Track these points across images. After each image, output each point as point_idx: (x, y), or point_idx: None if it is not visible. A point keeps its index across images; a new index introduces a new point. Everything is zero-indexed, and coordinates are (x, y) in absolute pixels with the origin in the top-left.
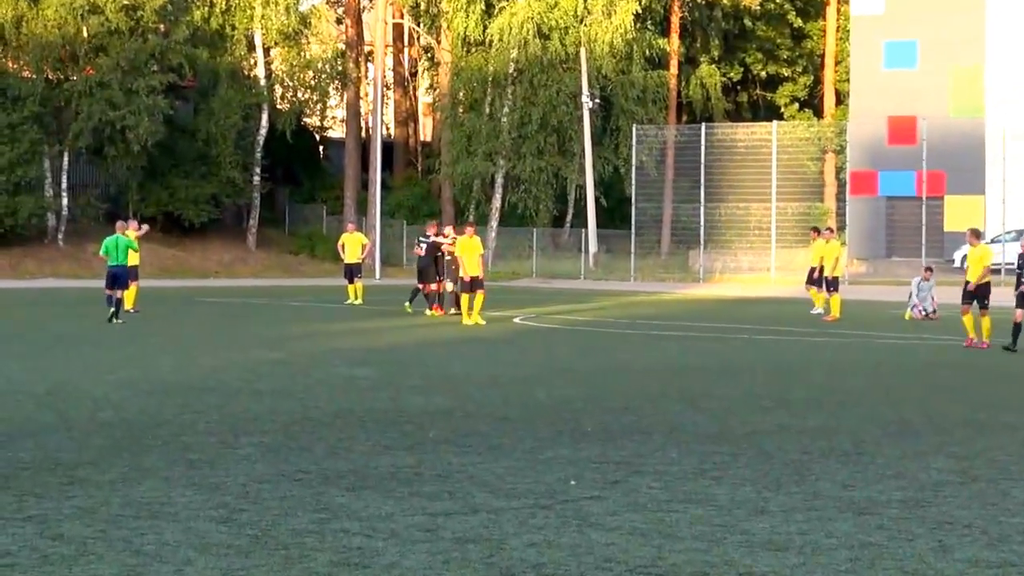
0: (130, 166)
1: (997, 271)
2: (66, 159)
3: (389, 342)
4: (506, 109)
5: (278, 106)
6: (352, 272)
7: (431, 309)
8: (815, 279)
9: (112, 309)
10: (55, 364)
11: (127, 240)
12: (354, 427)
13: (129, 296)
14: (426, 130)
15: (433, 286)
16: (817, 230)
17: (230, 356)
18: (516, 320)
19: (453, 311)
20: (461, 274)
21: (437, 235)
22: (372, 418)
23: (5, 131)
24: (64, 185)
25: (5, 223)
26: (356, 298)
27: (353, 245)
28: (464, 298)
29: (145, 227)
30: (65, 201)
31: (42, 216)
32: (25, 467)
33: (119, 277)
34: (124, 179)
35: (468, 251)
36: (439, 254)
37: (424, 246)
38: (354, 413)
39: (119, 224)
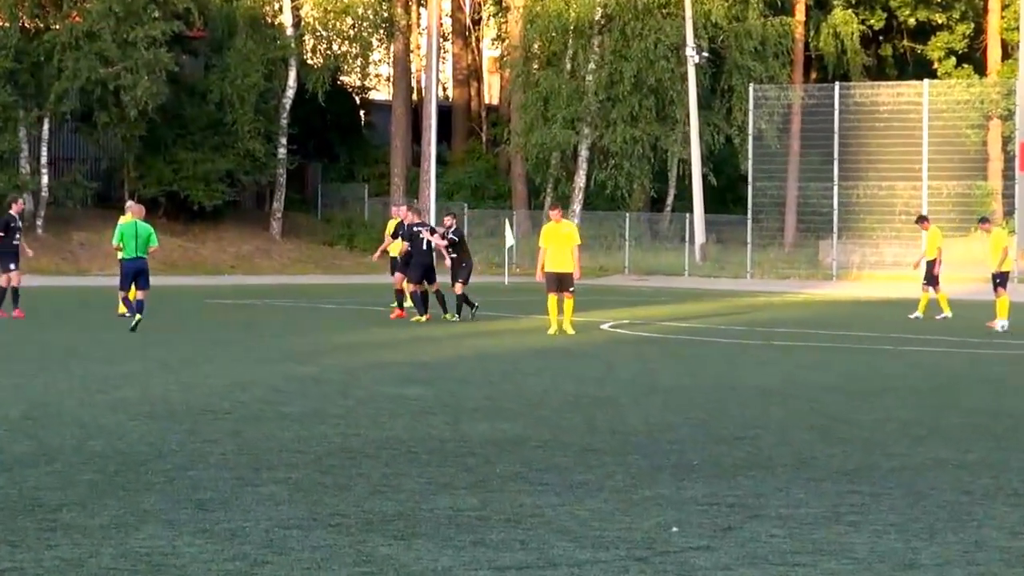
0: (126, 136)
1: None
2: (46, 127)
3: (446, 354)
4: (592, 65)
5: (309, 61)
6: (398, 266)
7: (399, 310)
8: (933, 276)
9: (136, 316)
10: (33, 382)
11: (148, 227)
12: (403, 460)
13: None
14: (492, 91)
15: (410, 286)
16: (987, 220)
17: (249, 371)
18: (604, 327)
19: (450, 316)
20: (549, 269)
21: (419, 223)
22: (425, 449)
23: None
24: (44, 160)
25: None
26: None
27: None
28: (551, 300)
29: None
30: (45, 179)
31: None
32: None
33: (141, 274)
34: (118, 152)
35: (557, 241)
36: (428, 248)
37: (422, 239)
38: (403, 442)
39: (134, 207)
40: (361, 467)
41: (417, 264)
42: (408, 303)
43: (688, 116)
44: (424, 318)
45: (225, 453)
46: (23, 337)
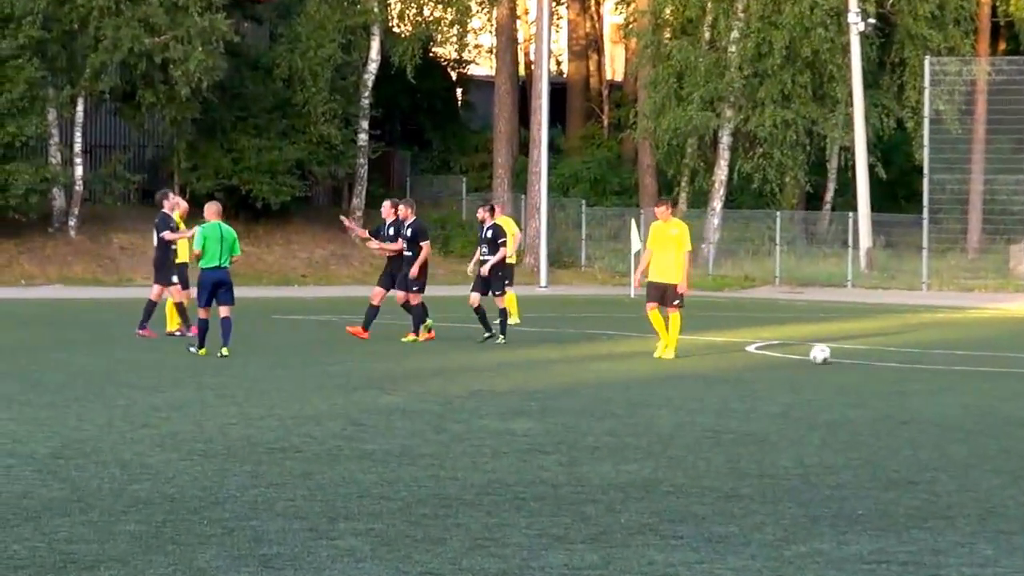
0: (175, 119)
1: None
2: (81, 109)
3: (561, 382)
4: (735, 33)
5: (395, 29)
6: (505, 276)
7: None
8: None
9: (197, 342)
10: (65, 414)
11: (232, 230)
12: (508, 508)
13: (173, 312)
14: (615, 65)
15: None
16: None
17: (324, 401)
18: (749, 349)
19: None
20: (652, 278)
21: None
22: (535, 494)
23: None
24: (78, 147)
25: None
26: (510, 315)
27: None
28: (653, 315)
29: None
30: (79, 171)
31: (45, 193)
32: (21, 565)
33: (223, 286)
34: (166, 139)
35: (662, 244)
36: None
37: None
38: (509, 487)
39: (213, 206)
40: (458, 517)
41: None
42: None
43: (851, 95)
44: (423, 336)
45: (294, 499)
46: (53, 360)
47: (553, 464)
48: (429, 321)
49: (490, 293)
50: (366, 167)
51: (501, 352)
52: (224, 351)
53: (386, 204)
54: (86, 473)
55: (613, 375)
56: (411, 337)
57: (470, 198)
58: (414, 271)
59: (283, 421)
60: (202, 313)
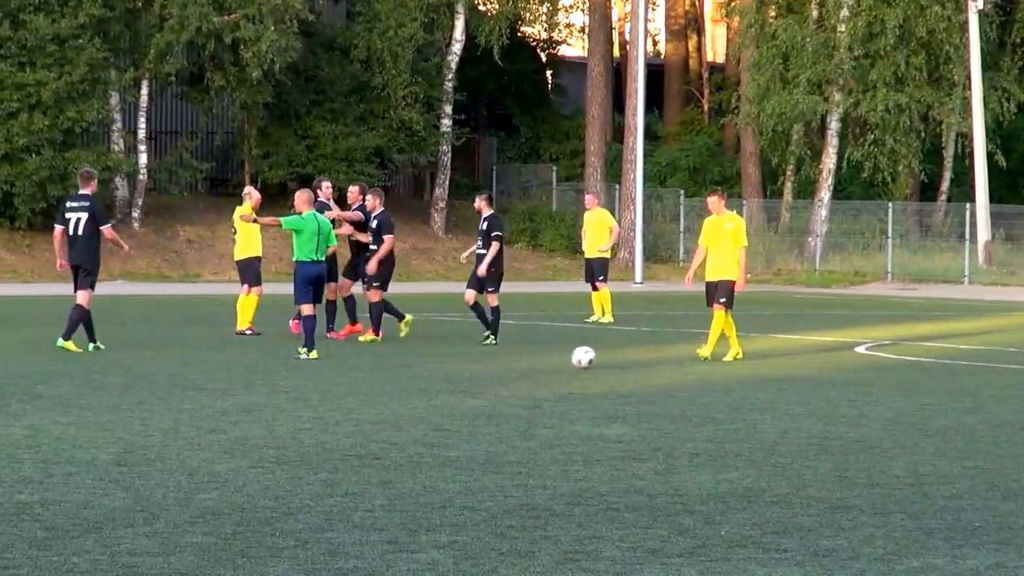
0: (246, 103)
1: None
2: (145, 93)
3: (657, 384)
4: (845, 11)
5: (480, 7)
6: (594, 272)
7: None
8: None
9: (307, 342)
10: (129, 418)
11: (327, 221)
12: (601, 519)
13: (246, 308)
14: (716, 46)
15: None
16: None
17: (405, 405)
18: (859, 350)
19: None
20: (708, 277)
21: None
22: (629, 505)
23: (50, 48)
24: (142, 134)
25: (49, 192)
26: (603, 313)
27: (595, 230)
28: (718, 319)
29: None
30: (144, 159)
31: (107, 182)
32: None
33: (320, 282)
34: (236, 125)
35: (717, 239)
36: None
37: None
38: (601, 497)
39: (305, 196)
40: (547, 528)
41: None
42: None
43: (968, 78)
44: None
45: (372, 510)
46: (115, 361)
47: (648, 472)
48: (409, 317)
49: (484, 290)
50: (449, 155)
51: (594, 351)
52: (313, 354)
53: (353, 189)
54: (150, 481)
55: (713, 377)
56: (370, 336)
57: (560, 188)
58: (372, 266)
59: (360, 426)
60: (307, 309)
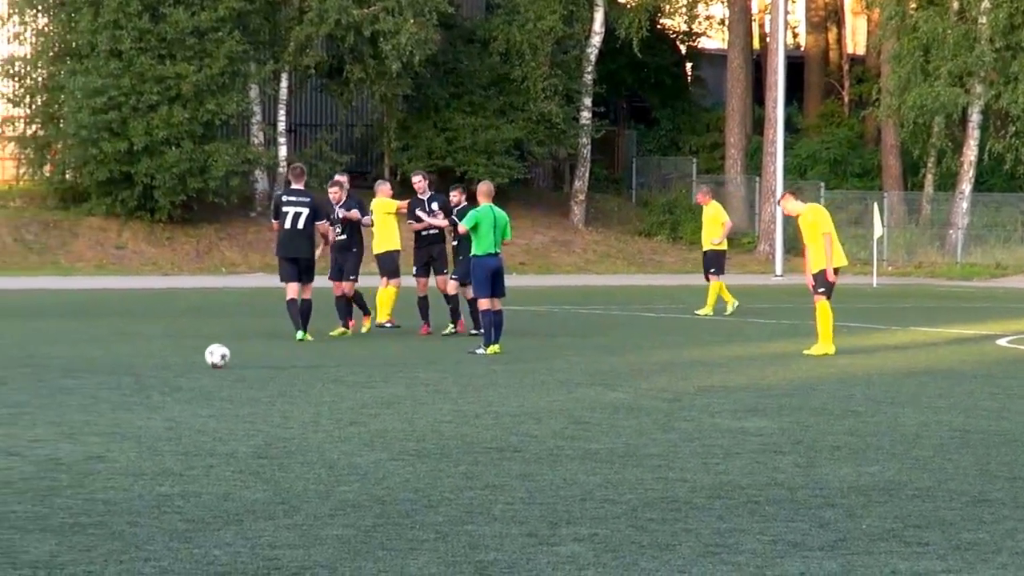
0: (385, 96)
1: None
2: (284, 85)
3: (799, 377)
4: (986, 3)
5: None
6: (707, 264)
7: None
8: None
9: (488, 338)
10: (268, 411)
11: (504, 214)
12: (740, 511)
13: (384, 301)
14: (856, 38)
15: (346, 286)
16: None
17: (545, 397)
18: (1001, 342)
19: (450, 329)
20: (817, 269)
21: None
22: (770, 498)
23: (190, 41)
24: (282, 126)
25: (189, 185)
26: (711, 306)
27: (709, 224)
28: (820, 309)
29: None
30: (283, 151)
31: (247, 175)
32: (223, 571)
33: (498, 276)
34: (376, 117)
35: (814, 228)
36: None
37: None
38: (741, 490)
39: (484, 188)
40: (687, 521)
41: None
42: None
43: None
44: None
45: (512, 502)
46: (255, 354)
47: (789, 465)
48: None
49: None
50: (589, 147)
51: (733, 346)
52: (493, 348)
53: (418, 177)
54: (290, 474)
55: (854, 370)
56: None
57: (701, 180)
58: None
59: (500, 419)
60: (485, 304)
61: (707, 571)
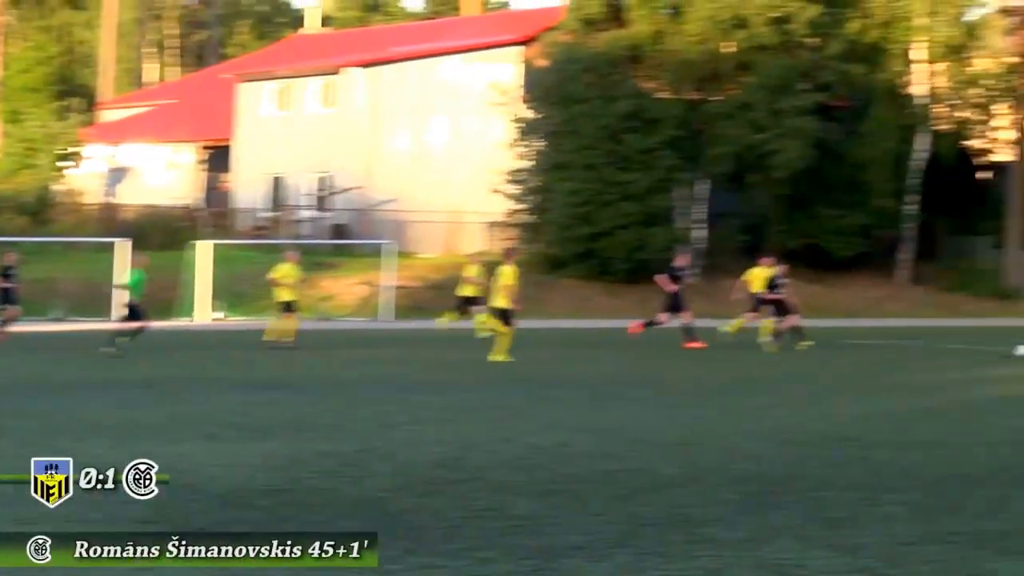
0: (773, 195)
1: None
2: (702, 187)
3: None
4: None
5: (936, 127)
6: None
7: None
8: None
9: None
10: (688, 412)
11: None
12: (1015, 484)
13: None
14: None
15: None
16: None
17: (875, 403)
18: None
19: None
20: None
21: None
22: None
23: (640, 156)
24: (701, 216)
25: (634, 257)
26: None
27: None
28: None
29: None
30: (703, 233)
31: (671, 249)
32: (648, 523)
33: None
34: (765, 209)
35: None
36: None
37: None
38: (1017, 467)
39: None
40: (974, 491)
41: None
42: None
43: None
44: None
45: (851, 476)
46: (690, 377)
47: None
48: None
49: None
50: (913, 230)
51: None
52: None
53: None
54: (700, 456)
55: None
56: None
57: (988, 252)
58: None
59: (845, 418)
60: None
61: (986, 525)
